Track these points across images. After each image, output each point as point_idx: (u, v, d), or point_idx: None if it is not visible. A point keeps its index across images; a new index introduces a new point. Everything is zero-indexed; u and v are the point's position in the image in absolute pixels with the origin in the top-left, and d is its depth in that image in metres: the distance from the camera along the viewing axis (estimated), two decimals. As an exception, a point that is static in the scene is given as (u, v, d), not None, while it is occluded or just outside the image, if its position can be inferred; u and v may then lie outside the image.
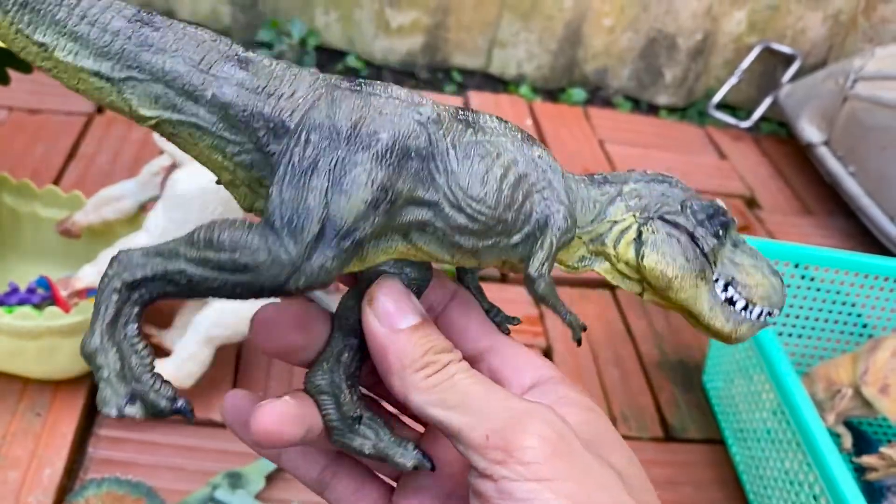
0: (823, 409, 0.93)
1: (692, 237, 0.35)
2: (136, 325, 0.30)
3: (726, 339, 0.36)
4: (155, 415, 0.30)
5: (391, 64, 1.65)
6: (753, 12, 1.69)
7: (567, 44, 1.68)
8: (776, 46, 1.70)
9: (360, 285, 0.37)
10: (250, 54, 0.32)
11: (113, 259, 0.30)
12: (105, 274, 0.30)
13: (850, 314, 1.04)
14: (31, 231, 0.95)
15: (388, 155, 0.30)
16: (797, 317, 1.04)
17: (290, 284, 0.30)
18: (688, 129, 1.70)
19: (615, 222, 0.36)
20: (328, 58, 1.62)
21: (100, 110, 1.32)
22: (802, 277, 1.05)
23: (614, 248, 0.36)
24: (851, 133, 1.45)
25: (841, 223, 1.49)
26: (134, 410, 0.30)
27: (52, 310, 0.78)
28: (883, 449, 0.88)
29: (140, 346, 0.31)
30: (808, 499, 0.78)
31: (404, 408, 0.38)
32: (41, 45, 0.30)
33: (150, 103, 0.30)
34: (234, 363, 0.94)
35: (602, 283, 1.20)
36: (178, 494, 0.79)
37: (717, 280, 0.36)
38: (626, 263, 0.36)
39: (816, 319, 1.05)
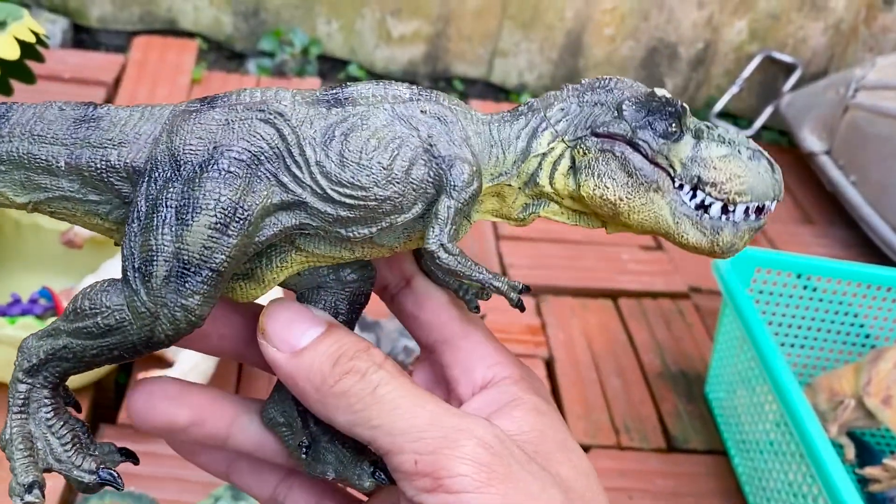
0: (826, 420, 0.93)
1: (632, 144, 0.30)
2: (49, 408, 0.30)
3: (710, 253, 0.31)
4: (83, 490, 0.30)
5: (392, 73, 1.66)
6: (754, 21, 1.69)
7: (568, 53, 1.68)
8: (777, 55, 1.71)
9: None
10: (100, 110, 0.31)
11: (18, 348, 0.30)
12: (14, 363, 0.30)
13: (852, 324, 1.04)
14: (33, 242, 0.95)
15: (230, 169, 0.28)
16: (799, 327, 1.04)
17: (156, 335, 0.29)
18: (689, 137, 1.70)
19: (544, 155, 0.31)
20: (330, 67, 1.63)
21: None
22: (805, 288, 1.05)
23: (551, 184, 0.31)
24: (853, 142, 1.46)
25: (842, 233, 1.49)
26: (32, 498, 0.29)
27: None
28: (886, 460, 0.87)
29: (57, 426, 0.30)
30: (811, 511, 0.78)
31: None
32: None
33: (19, 190, 0.30)
34: (236, 374, 0.94)
35: (604, 293, 1.20)
36: (180, 506, 0.79)
37: (680, 187, 0.30)
38: (570, 197, 0.31)
39: (819, 330, 1.05)
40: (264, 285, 0.31)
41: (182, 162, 0.29)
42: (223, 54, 1.61)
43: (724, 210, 0.30)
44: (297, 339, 0.30)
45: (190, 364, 0.83)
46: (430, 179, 0.29)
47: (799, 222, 1.51)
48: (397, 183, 0.29)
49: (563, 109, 0.31)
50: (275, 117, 0.29)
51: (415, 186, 0.29)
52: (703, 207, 0.30)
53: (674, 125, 0.30)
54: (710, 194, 0.30)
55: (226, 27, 1.60)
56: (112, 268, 0.77)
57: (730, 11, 1.68)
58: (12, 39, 0.72)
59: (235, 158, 0.28)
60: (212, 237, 0.28)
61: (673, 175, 0.30)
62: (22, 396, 0.30)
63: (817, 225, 1.51)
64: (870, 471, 0.88)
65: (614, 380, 1.06)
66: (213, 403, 0.33)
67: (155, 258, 0.28)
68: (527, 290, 0.30)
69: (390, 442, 0.28)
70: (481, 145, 0.31)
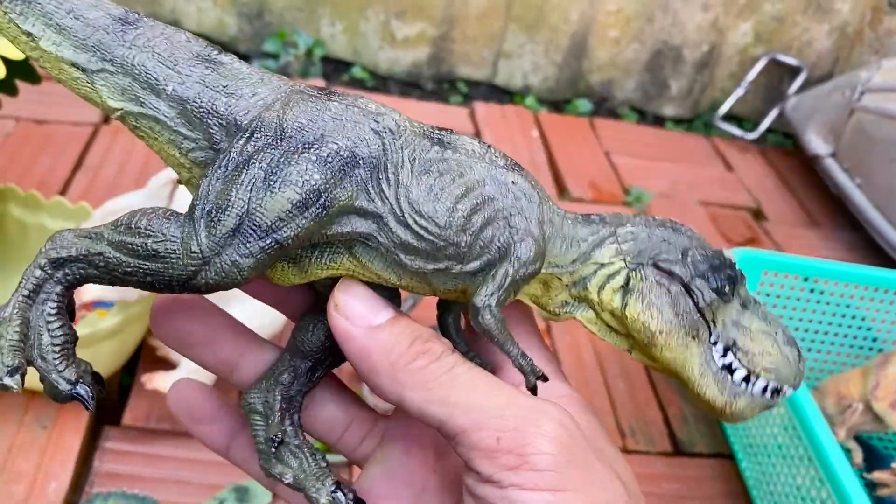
0: (834, 424, 0.92)
1: (687, 288, 0.31)
2: (55, 304, 0.29)
3: (720, 413, 0.32)
4: (53, 397, 0.30)
5: (397, 75, 1.65)
6: (759, 24, 1.69)
7: (572, 55, 1.68)
8: (782, 58, 1.70)
9: (316, 305, 0.35)
10: (223, 56, 0.32)
11: (49, 237, 0.30)
12: (39, 249, 0.30)
13: (859, 328, 1.04)
14: (38, 243, 0.94)
15: (329, 159, 0.29)
16: (806, 330, 1.04)
17: (198, 279, 0.29)
18: (694, 140, 1.70)
19: (602, 265, 0.32)
20: (334, 69, 1.63)
21: (106, 120, 1.32)
22: (812, 291, 1.05)
23: (598, 294, 0.32)
24: (858, 145, 1.45)
25: (847, 235, 1.48)
26: (11, 382, 0.28)
27: (59, 322, 0.78)
28: (895, 465, 0.87)
29: (55, 324, 0.29)
30: (820, 515, 0.78)
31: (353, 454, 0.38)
32: (29, 34, 0.31)
33: (117, 95, 0.31)
34: (240, 376, 0.94)
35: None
36: (184, 509, 0.79)
37: (715, 343, 0.31)
38: (611, 313, 0.32)
39: (826, 333, 1.04)
40: (305, 276, 0.32)
41: (287, 134, 0.30)
42: (227, 56, 1.61)
43: (746, 379, 0.32)
44: (373, 316, 0.30)
45: (193, 366, 0.82)
46: (499, 244, 0.31)
47: (804, 225, 1.50)
48: (469, 234, 0.30)
49: (632, 233, 0.32)
50: (384, 132, 0.30)
51: (483, 244, 0.31)
52: (728, 369, 0.32)
53: (728, 287, 0.31)
54: (740, 360, 0.31)
55: (229, 28, 1.59)
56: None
57: (735, 14, 1.67)
58: (18, 39, 0.72)
59: (336, 152, 0.30)
60: (289, 212, 0.29)
61: (712, 330, 0.32)
62: (35, 283, 0.29)
63: (822, 228, 1.50)
64: (878, 475, 0.88)
65: (620, 382, 1.06)
66: (229, 330, 0.35)
67: (228, 209, 0.28)
68: (544, 378, 0.31)
69: (469, 419, 0.28)
70: (551, 233, 0.32)
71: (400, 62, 1.64)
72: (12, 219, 0.94)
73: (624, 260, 0.32)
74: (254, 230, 0.28)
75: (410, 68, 1.65)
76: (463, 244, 0.30)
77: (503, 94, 1.69)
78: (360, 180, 0.30)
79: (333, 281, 0.32)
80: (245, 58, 1.60)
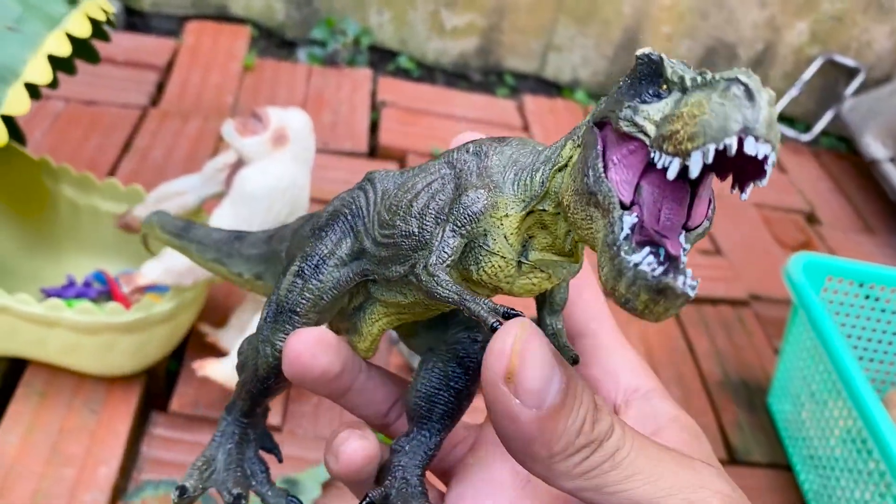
0: (900, 439, 0.89)
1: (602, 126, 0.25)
2: (232, 441, 0.36)
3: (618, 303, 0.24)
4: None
5: (443, 65, 1.63)
6: (816, 23, 1.64)
7: (623, 50, 1.64)
8: (839, 59, 1.66)
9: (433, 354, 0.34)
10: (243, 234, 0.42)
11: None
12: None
13: (926, 339, 1.00)
14: (89, 224, 0.93)
15: (325, 226, 0.33)
16: (869, 339, 1.00)
17: (260, 370, 0.34)
18: (745, 140, 1.66)
19: (564, 167, 0.27)
20: (380, 58, 1.61)
21: (154, 103, 1.31)
22: (867, 297, 1.01)
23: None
24: (920, 150, 1.40)
25: (905, 243, 1.44)
26: (173, 496, 0.34)
27: (114, 306, 0.76)
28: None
29: (233, 456, 0.36)
30: (890, 534, 0.74)
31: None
32: (238, 273, 0.41)
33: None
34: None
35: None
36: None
37: (630, 206, 0.24)
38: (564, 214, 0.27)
39: (890, 343, 1.01)
40: (363, 338, 0.33)
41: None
42: (273, 42, 1.59)
43: (651, 250, 0.23)
44: (547, 393, 0.24)
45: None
46: (445, 211, 0.28)
47: (859, 231, 1.46)
48: (416, 216, 0.29)
49: (591, 114, 0.26)
50: (365, 183, 0.33)
51: (432, 218, 0.29)
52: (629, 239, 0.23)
53: (650, 85, 0.24)
54: (666, 151, 0.22)
55: (278, 14, 1.58)
56: (171, 255, 0.75)
57: (791, 12, 1.63)
58: (84, 17, 0.71)
59: (334, 221, 0.33)
60: (293, 283, 0.32)
61: (649, 143, 0.23)
62: (220, 428, 0.36)
63: (878, 234, 1.46)
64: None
65: (674, 388, 1.03)
66: (353, 357, 0.33)
67: (267, 303, 0.33)
68: (506, 316, 0.25)
69: None
70: (516, 172, 0.28)
71: (447, 53, 1.62)
72: (65, 199, 0.93)
73: (577, 145, 0.26)
74: (278, 309, 0.33)
75: (457, 59, 1.63)
76: (417, 229, 0.29)
77: (551, 88, 1.66)
78: (350, 229, 0.32)
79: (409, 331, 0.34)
80: (292, 44, 1.59)
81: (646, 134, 0.23)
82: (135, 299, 0.78)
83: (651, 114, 0.23)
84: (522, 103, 1.55)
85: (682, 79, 0.23)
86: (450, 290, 0.27)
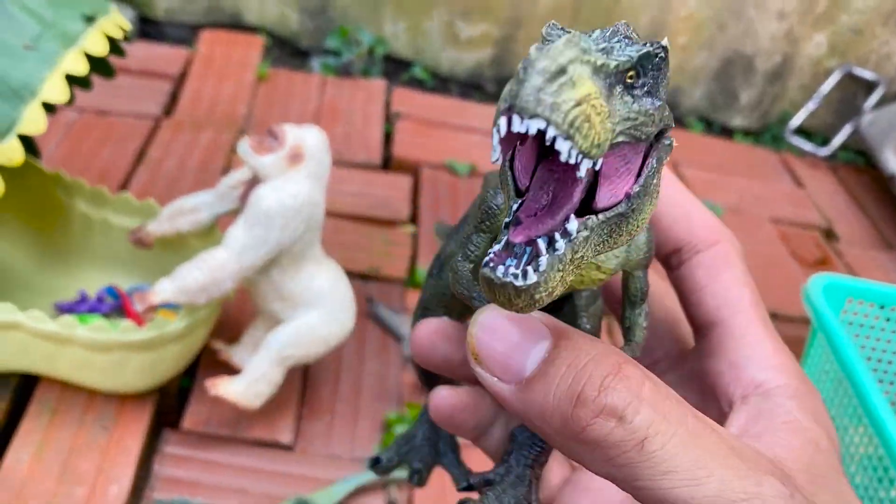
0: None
1: None
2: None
3: None
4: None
5: (458, 76, 1.62)
6: (835, 35, 1.63)
7: (639, 61, 1.63)
8: (858, 71, 1.64)
9: None
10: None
11: None
12: None
13: (947, 362, 0.98)
14: (101, 238, 0.93)
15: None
16: (890, 363, 0.99)
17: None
18: (763, 153, 1.64)
19: None
20: (395, 68, 1.60)
21: (167, 113, 1.31)
22: (888, 320, 1.00)
23: None
24: (941, 166, 1.38)
25: (925, 260, 1.42)
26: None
27: (127, 324, 0.76)
28: None
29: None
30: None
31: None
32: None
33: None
34: (300, 384, 0.92)
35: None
36: (244, 521, 0.77)
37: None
38: None
39: (910, 366, 0.99)
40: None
41: None
42: (286, 51, 1.59)
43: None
44: (522, 363, 0.23)
45: (257, 373, 0.80)
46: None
47: (878, 247, 1.44)
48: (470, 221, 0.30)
49: None
50: (483, 184, 0.32)
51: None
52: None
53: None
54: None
55: (292, 23, 1.58)
56: (184, 273, 0.74)
57: (810, 24, 1.61)
58: (102, 36, 0.70)
59: (461, 223, 0.34)
60: (427, 281, 0.34)
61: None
62: (422, 408, 0.36)
63: (897, 251, 1.44)
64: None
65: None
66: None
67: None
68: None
69: None
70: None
71: (462, 63, 1.61)
72: (78, 213, 0.92)
73: None
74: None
75: (472, 69, 1.62)
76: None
77: (565, 99, 1.65)
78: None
79: None
80: (305, 54, 1.58)
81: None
82: (148, 318, 0.78)
83: None
84: (537, 115, 1.54)
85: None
86: (464, 287, 0.27)
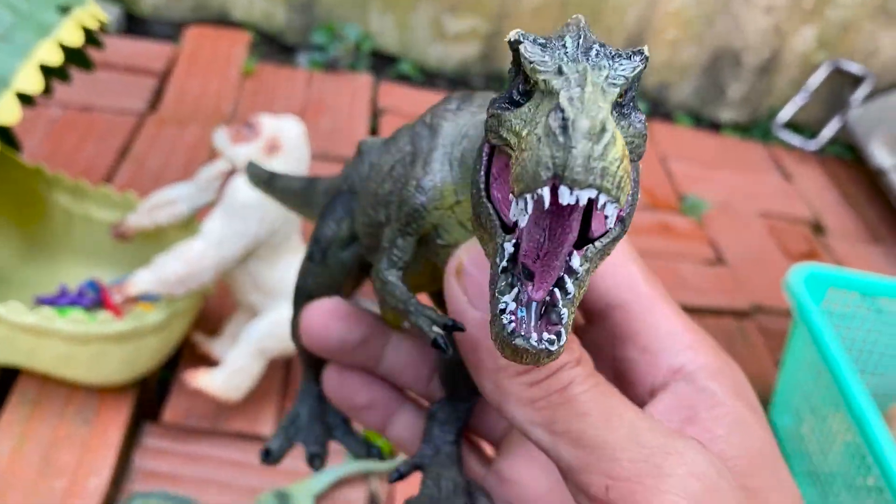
0: (903, 455, 0.87)
1: None
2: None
3: None
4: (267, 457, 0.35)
5: (445, 71, 1.62)
6: (823, 30, 1.63)
7: (627, 56, 1.63)
8: (846, 66, 1.64)
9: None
10: None
11: None
12: None
13: (930, 352, 0.98)
14: (83, 232, 0.93)
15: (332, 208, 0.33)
16: (870, 352, 0.99)
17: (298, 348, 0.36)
18: (751, 147, 1.64)
19: None
20: (381, 63, 1.60)
21: (152, 109, 1.31)
22: (869, 309, 1.00)
23: None
24: (927, 159, 1.39)
25: (911, 253, 1.42)
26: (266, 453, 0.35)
27: (105, 316, 0.76)
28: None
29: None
30: (891, 554, 0.73)
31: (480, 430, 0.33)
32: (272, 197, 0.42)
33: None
34: (282, 377, 0.92)
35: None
36: (223, 513, 0.77)
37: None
38: None
39: (892, 356, 0.99)
40: (385, 309, 0.31)
41: None
42: (273, 47, 1.59)
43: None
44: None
45: (236, 366, 0.80)
46: (394, 194, 0.27)
47: (866, 241, 1.44)
48: (383, 204, 0.28)
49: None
50: (357, 156, 0.33)
51: (395, 208, 0.27)
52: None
53: (523, 81, 0.21)
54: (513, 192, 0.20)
55: (278, 19, 1.57)
56: (163, 264, 0.74)
57: (798, 19, 1.61)
58: (77, 26, 0.70)
59: (336, 200, 0.33)
60: (306, 267, 0.33)
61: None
62: (300, 388, 0.36)
63: (885, 244, 1.44)
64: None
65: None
66: (375, 325, 0.31)
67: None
68: (455, 328, 0.24)
69: (576, 456, 0.22)
70: (463, 151, 0.25)
71: (449, 58, 1.61)
72: (59, 208, 0.92)
73: None
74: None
75: (459, 64, 1.62)
76: (382, 219, 0.28)
77: (554, 95, 1.65)
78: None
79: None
80: (291, 50, 1.58)
81: (511, 147, 0.20)
82: (126, 309, 0.77)
83: (513, 124, 0.20)
84: (524, 110, 1.54)
85: (537, 81, 0.20)
86: (397, 299, 0.26)
